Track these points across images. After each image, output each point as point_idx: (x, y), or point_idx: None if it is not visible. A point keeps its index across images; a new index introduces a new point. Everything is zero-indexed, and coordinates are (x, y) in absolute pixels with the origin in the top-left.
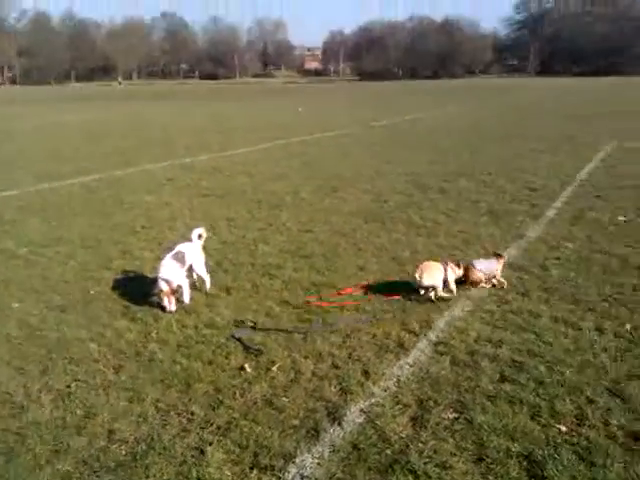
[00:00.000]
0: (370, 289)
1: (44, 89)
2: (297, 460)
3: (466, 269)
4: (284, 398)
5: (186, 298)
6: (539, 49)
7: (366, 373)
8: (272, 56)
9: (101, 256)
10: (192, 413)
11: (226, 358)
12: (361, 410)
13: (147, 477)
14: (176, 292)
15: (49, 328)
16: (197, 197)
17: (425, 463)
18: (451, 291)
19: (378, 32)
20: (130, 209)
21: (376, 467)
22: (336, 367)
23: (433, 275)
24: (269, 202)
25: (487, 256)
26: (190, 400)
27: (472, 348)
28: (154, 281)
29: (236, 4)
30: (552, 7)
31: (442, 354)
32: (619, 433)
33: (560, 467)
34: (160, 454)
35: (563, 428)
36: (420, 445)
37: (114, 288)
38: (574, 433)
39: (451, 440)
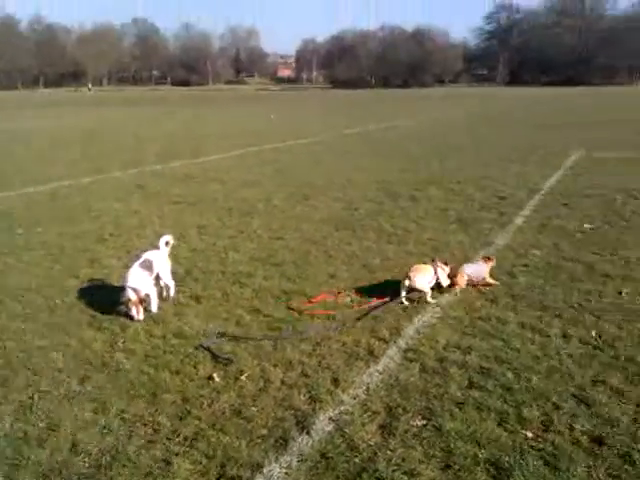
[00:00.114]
0: (360, 292)
1: (11, 94)
2: (265, 470)
3: (455, 274)
4: (253, 407)
5: (154, 307)
6: (508, 59)
7: (336, 381)
8: (245, 63)
9: (67, 264)
10: (159, 424)
11: (194, 368)
12: (330, 418)
13: None
14: (144, 301)
15: (9, 338)
16: (167, 204)
17: (393, 471)
18: (443, 285)
19: (350, 41)
20: (98, 217)
21: (344, 476)
22: (306, 375)
23: (424, 278)
24: (240, 209)
25: (476, 260)
26: (157, 410)
27: (441, 355)
28: (122, 290)
29: (208, 11)
30: (521, 18)
31: (411, 361)
32: (583, 438)
33: (526, 473)
34: (125, 466)
35: (529, 434)
36: (388, 453)
37: (80, 297)
38: (540, 439)
39: (419, 447)
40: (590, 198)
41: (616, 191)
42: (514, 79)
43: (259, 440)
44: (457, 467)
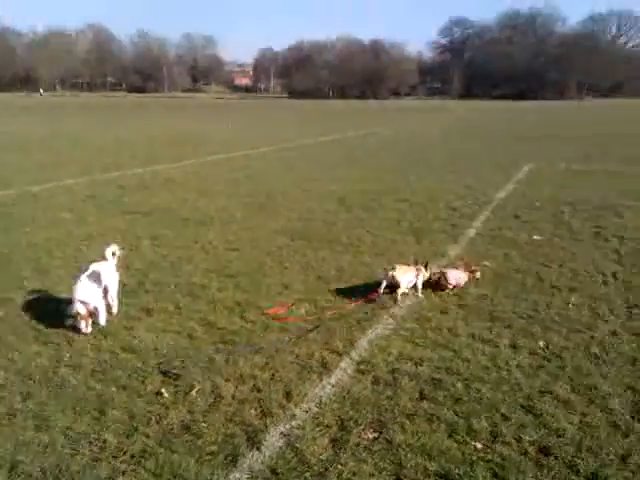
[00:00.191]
0: (314, 303)
1: None
2: None
3: (439, 278)
4: (202, 423)
5: (102, 320)
6: (462, 73)
7: (288, 395)
8: (202, 71)
9: (12, 275)
10: (104, 441)
11: (142, 383)
12: (281, 433)
13: None
14: (93, 314)
15: None
16: (119, 214)
17: None
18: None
19: (307, 51)
20: (47, 226)
21: None
22: (258, 389)
23: (406, 275)
24: (195, 219)
25: (458, 267)
26: (103, 427)
27: (393, 366)
28: (69, 302)
29: (165, 18)
30: (474, 33)
31: (364, 373)
32: (531, 449)
33: None
34: None
35: (479, 445)
36: (339, 467)
37: (25, 309)
38: (489, 450)
39: (370, 460)
40: (539, 210)
41: (564, 203)
42: (467, 92)
43: (208, 457)
44: None
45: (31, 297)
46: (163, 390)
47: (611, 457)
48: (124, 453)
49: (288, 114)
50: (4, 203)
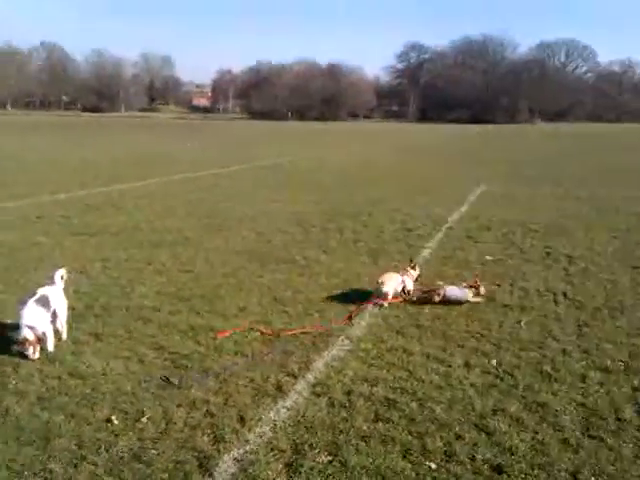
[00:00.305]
0: (270, 325)
1: None
2: None
3: (439, 293)
4: (153, 451)
5: (50, 345)
6: (418, 96)
7: (242, 419)
8: (159, 91)
9: None
10: (50, 471)
11: (92, 410)
12: (234, 459)
13: None
14: (41, 340)
15: None
16: (69, 236)
17: None
18: (409, 293)
19: (266, 73)
20: None
21: None
22: (211, 415)
23: (392, 284)
24: (150, 241)
25: (461, 284)
26: (49, 457)
27: (349, 388)
28: (16, 328)
29: (121, 37)
30: (430, 58)
31: (319, 395)
32: (484, 467)
33: None
34: None
35: (433, 465)
36: None
37: None
38: (443, 470)
39: None
40: (491, 231)
41: (515, 224)
42: (423, 115)
43: None
44: None
45: None
46: (113, 417)
47: (562, 473)
48: None
49: (249, 134)
50: None
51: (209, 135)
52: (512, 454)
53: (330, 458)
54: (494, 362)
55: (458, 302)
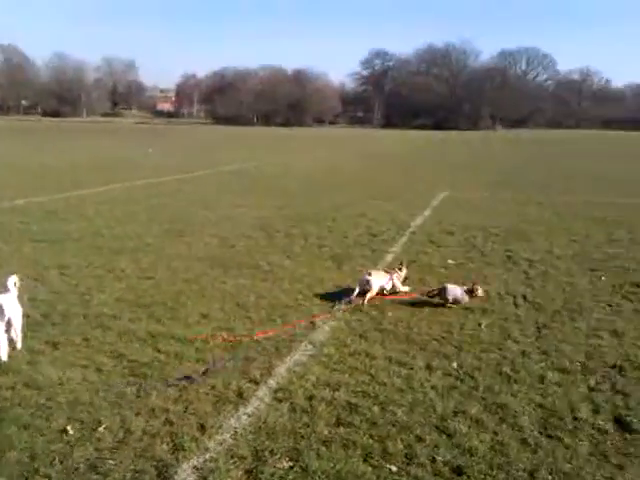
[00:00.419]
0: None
1: None
2: None
3: (440, 291)
4: (110, 461)
5: (4, 355)
6: (383, 103)
7: (202, 427)
8: (122, 96)
9: None
10: None
11: (47, 421)
12: (194, 467)
13: None
14: None
15: None
16: (28, 242)
17: None
18: (400, 290)
19: (231, 78)
20: None
21: None
22: (170, 423)
23: (379, 280)
24: (109, 247)
25: (461, 284)
26: None
27: (310, 393)
28: None
29: (83, 40)
30: (394, 65)
31: (281, 401)
32: (445, 469)
33: None
34: None
35: (394, 468)
36: None
37: None
38: (404, 472)
39: None
40: (453, 235)
41: (477, 228)
42: (388, 122)
43: None
44: None
45: None
46: (68, 427)
47: (520, 473)
48: None
49: (213, 139)
50: None
51: (173, 140)
52: (472, 455)
53: (291, 464)
54: (455, 364)
55: (456, 302)
